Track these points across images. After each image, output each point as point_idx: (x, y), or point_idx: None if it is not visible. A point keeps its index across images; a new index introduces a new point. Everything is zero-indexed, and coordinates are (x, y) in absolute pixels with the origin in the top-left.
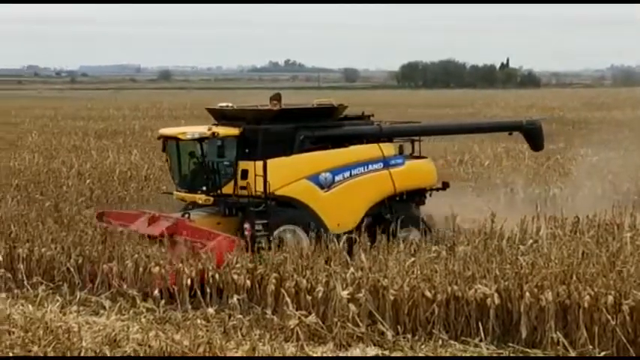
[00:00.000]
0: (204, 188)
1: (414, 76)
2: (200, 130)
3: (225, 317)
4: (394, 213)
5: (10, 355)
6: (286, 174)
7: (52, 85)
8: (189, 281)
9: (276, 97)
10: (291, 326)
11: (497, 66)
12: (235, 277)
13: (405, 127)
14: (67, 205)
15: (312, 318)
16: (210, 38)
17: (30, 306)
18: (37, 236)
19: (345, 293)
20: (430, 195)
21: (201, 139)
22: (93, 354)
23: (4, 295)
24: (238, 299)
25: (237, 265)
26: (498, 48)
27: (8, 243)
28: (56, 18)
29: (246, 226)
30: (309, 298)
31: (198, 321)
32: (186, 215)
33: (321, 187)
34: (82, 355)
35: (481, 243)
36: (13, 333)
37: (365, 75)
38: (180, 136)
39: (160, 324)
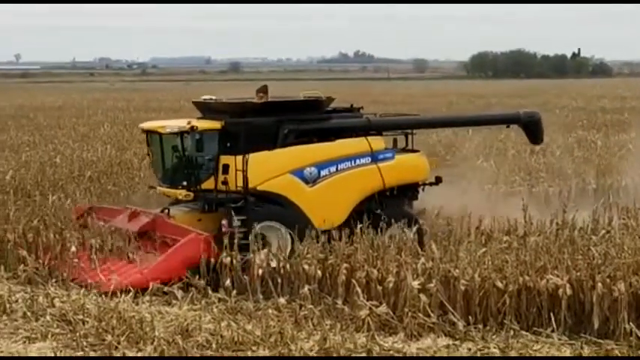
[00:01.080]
0: (184, 183)
1: (483, 66)
2: (180, 123)
3: (297, 307)
4: (385, 208)
5: (85, 343)
6: (269, 168)
7: (124, 78)
8: (260, 271)
9: (263, 90)
10: (362, 316)
11: (569, 55)
12: (306, 267)
13: (396, 120)
14: (138, 197)
15: (382, 308)
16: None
17: (103, 296)
18: None
19: (415, 283)
20: (423, 190)
21: (180, 133)
22: (166, 343)
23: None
24: (309, 289)
25: (308, 256)
26: (569, 38)
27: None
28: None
29: (224, 222)
30: (379, 288)
31: (270, 311)
32: (166, 211)
33: (306, 182)
34: (155, 345)
35: (552, 233)
36: (87, 322)
37: (434, 65)
38: (160, 130)
39: (232, 314)
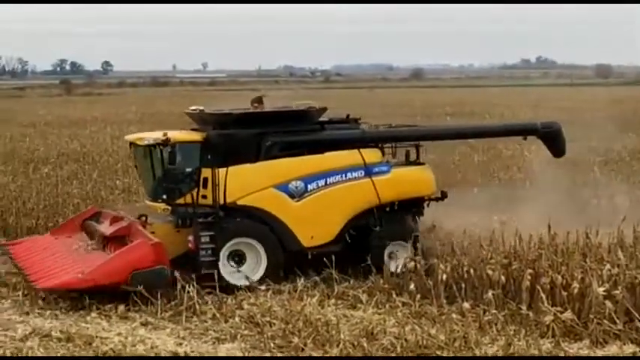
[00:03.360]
0: (164, 197)
1: None
2: (155, 135)
3: (480, 312)
4: (383, 225)
5: (272, 345)
6: (250, 182)
7: (308, 85)
8: (444, 276)
9: (257, 100)
10: (547, 322)
11: None
12: (490, 272)
13: (394, 131)
14: None
15: (567, 314)
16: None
17: (290, 299)
18: None
19: (601, 290)
20: (428, 205)
21: (156, 145)
22: (351, 347)
23: (263, 287)
24: (493, 294)
25: (492, 261)
26: None
27: None
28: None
29: (190, 238)
30: (564, 294)
31: (454, 315)
32: (143, 218)
33: (292, 196)
34: (341, 348)
35: None
36: (274, 324)
37: (619, 71)
38: (137, 142)
39: (416, 318)
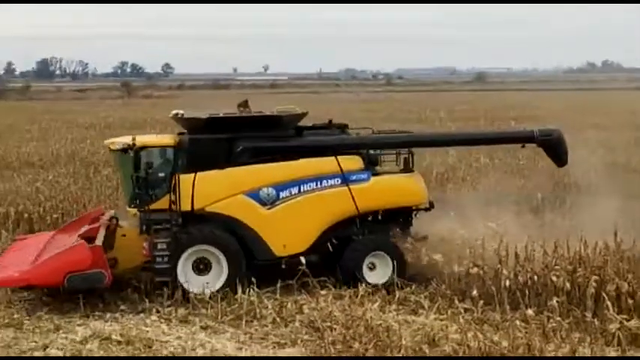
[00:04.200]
0: (136, 202)
1: None
2: (125, 139)
3: (544, 319)
4: (364, 235)
5: (332, 350)
6: (219, 189)
7: (369, 88)
8: (507, 282)
9: (243, 104)
10: (612, 330)
11: None
12: (554, 279)
13: (376, 137)
14: None
15: (634, 322)
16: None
17: (351, 304)
18: None
19: None
20: (416, 215)
21: (125, 150)
22: (412, 352)
23: (324, 292)
24: (557, 301)
25: (557, 267)
26: None
27: None
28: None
29: (145, 245)
30: (630, 301)
31: (517, 322)
32: (114, 220)
33: (263, 203)
34: (402, 354)
35: None
36: (335, 330)
37: None
38: (110, 147)
39: (478, 324)
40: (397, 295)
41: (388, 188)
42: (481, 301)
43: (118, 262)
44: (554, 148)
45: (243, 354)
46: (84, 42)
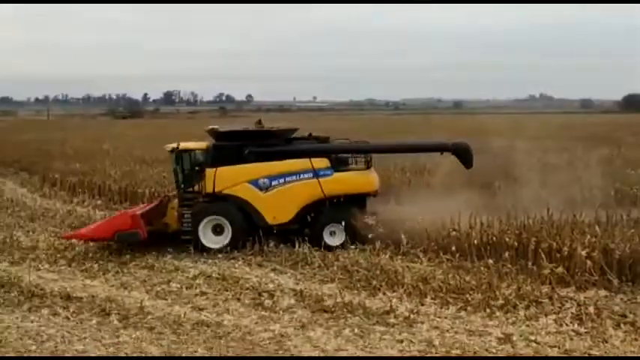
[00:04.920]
0: (182, 187)
1: None
2: (172, 145)
3: (500, 266)
4: (328, 212)
5: (358, 285)
6: (232, 178)
7: (381, 112)
8: (475, 241)
9: (258, 122)
10: (545, 274)
11: None
12: (507, 239)
13: (328, 146)
14: None
15: (560, 269)
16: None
17: (371, 253)
18: None
19: (583, 252)
20: (368, 199)
21: (172, 151)
22: (411, 288)
23: (352, 247)
24: (509, 254)
25: (508, 232)
26: None
27: None
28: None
29: (175, 214)
30: (557, 255)
31: (482, 268)
32: (166, 197)
33: (260, 189)
34: (404, 289)
35: None
36: (360, 272)
37: None
38: (165, 149)
39: (456, 269)
40: (402, 249)
41: (345, 180)
42: (457, 254)
43: (168, 225)
44: (464, 155)
45: (298, 288)
46: (195, 79)
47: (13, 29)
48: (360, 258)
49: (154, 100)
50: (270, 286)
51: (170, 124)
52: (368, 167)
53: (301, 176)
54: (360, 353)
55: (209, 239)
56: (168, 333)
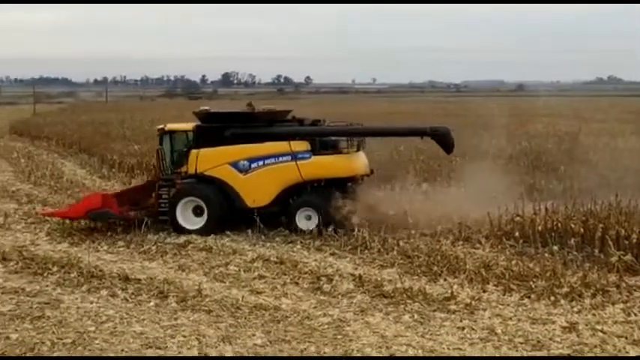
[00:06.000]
0: (170, 167)
1: None
2: (160, 126)
3: (565, 253)
4: (303, 195)
5: (418, 271)
6: (213, 160)
7: (441, 94)
8: (539, 227)
9: (249, 104)
10: (613, 262)
11: None
12: (573, 225)
13: (311, 129)
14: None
15: (628, 256)
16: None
17: (431, 239)
18: None
19: None
20: (351, 184)
21: (159, 133)
22: (473, 274)
23: (413, 231)
24: (575, 241)
25: (574, 218)
26: None
27: None
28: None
29: (154, 195)
30: (626, 242)
31: (546, 255)
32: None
33: (240, 171)
34: (466, 275)
35: None
36: (420, 257)
37: None
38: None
39: (519, 256)
40: (463, 234)
41: (324, 164)
42: (521, 240)
43: (155, 206)
44: (442, 141)
45: (357, 272)
46: (253, 60)
47: (73, 9)
48: (420, 243)
49: (211, 82)
50: (329, 270)
51: (227, 105)
52: (358, 150)
53: (280, 159)
54: (419, 340)
55: (189, 220)
56: (226, 316)
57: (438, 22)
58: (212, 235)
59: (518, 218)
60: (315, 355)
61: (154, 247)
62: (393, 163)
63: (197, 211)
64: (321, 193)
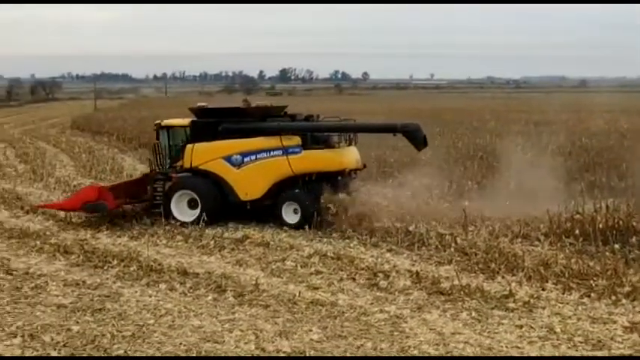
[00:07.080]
0: (167, 161)
1: None
2: (157, 121)
3: (627, 251)
4: (289, 190)
5: (476, 268)
6: (207, 154)
7: (501, 90)
8: (600, 225)
9: (245, 100)
10: None
11: None
12: (634, 223)
13: (293, 125)
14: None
15: None
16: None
17: (490, 236)
18: None
19: None
20: (340, 178)
21: (156, 128)
22: (532, 272)
23: (471, 228)
24: (636, 239)
25: (636, 216)
26: None
27: None
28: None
29: (148, 187)
30: None
31: (607, 253)
32: (152, 172)
33: (233, 165)
34: (524, 272)
35: None
36: (478, 254)
37: None
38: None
39: (579, 254)
40: (521, 231)
41: (313, 158)
42: (581, 238)
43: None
44: (412, 138)
45: (414, 269)
46: (311, 56)
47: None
48: (478, 240)
49: (269, 78)
50: (386, 266)
51: (285, 101)
52: (350, 145)
53: (271, 153)
54: (477, 337)
55: (184, 213)
56: (283, 311)
57: (498, 16)
58: (269, 230)
59: (578, 216)
60: (372, 351)
61: (212, 242)
62: (451, 160)
63: (191, 204)
64: (309, 188)
